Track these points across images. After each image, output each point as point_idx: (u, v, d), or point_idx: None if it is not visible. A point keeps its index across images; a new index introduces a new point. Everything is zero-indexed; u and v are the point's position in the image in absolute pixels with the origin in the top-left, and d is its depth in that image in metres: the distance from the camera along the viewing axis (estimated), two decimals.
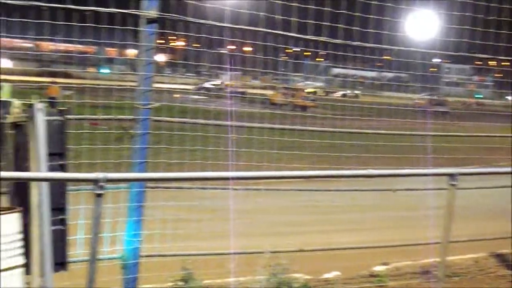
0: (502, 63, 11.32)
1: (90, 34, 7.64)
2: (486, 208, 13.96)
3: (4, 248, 5.40)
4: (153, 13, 7.28)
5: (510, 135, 11.09)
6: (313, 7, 8.31)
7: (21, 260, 5.61)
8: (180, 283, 8.14)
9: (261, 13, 8.03)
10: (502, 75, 13.94)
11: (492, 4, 9.91)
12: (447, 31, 10.25)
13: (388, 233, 11.98)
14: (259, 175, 8.19)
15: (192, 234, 8.25)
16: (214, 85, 20.49)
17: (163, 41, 9.25)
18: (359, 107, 11.20)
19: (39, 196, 5.90)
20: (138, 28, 7.34)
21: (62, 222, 6.46)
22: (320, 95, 24.27)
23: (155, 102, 7.56)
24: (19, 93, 7.74)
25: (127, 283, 7.60)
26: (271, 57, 9.19)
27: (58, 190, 6.36)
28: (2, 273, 5.38)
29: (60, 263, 6.40)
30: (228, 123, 8.40)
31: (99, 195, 5.26)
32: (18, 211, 5.64)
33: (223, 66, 9.04)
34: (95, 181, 5.25)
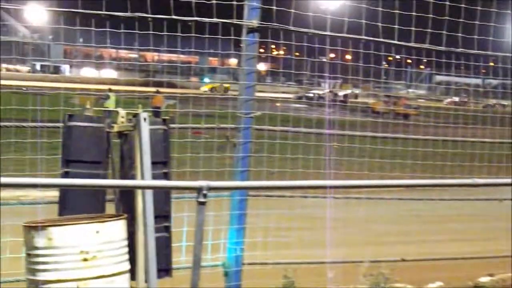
0: None
1: (193, 44, 7.77)
2: None
3: (111, 254, 5.54)
4: (255, 22, 7.35)
5: None
6: (416, 13, 8.18)
7: (127, 266, 5.74)
8: None
9: (363, 21, 7.97)
10: None
11: None
12: None
13: (492, 244, 11.65)
14: (360, 183, 8.09)
15: (293, 243, 8.26)
16: (316, 94, 20.47)
17: (264, 50, 9.31)
18: (463, 114, 10.93)
19: (144, 204, 6.03)
20: (239, 38, 7.42)
21: (167, 229, 6.59)
22: (423, 104, 23.91)
23: (257, 111, 7.62)
24: (124, 103, 7.97)
25: None
26: (373, 65, 9.12)
27: (162, 197, 6.49)
28: (109, 278, 5.51)
29: (165, 270, 6.52)
30: (330, 131, 8.37)
31: (202, 203, 5.31)
32: (124, 218, 5.79)
33: (324, 74, 9.00)
34: (198, 189, 5.30)
